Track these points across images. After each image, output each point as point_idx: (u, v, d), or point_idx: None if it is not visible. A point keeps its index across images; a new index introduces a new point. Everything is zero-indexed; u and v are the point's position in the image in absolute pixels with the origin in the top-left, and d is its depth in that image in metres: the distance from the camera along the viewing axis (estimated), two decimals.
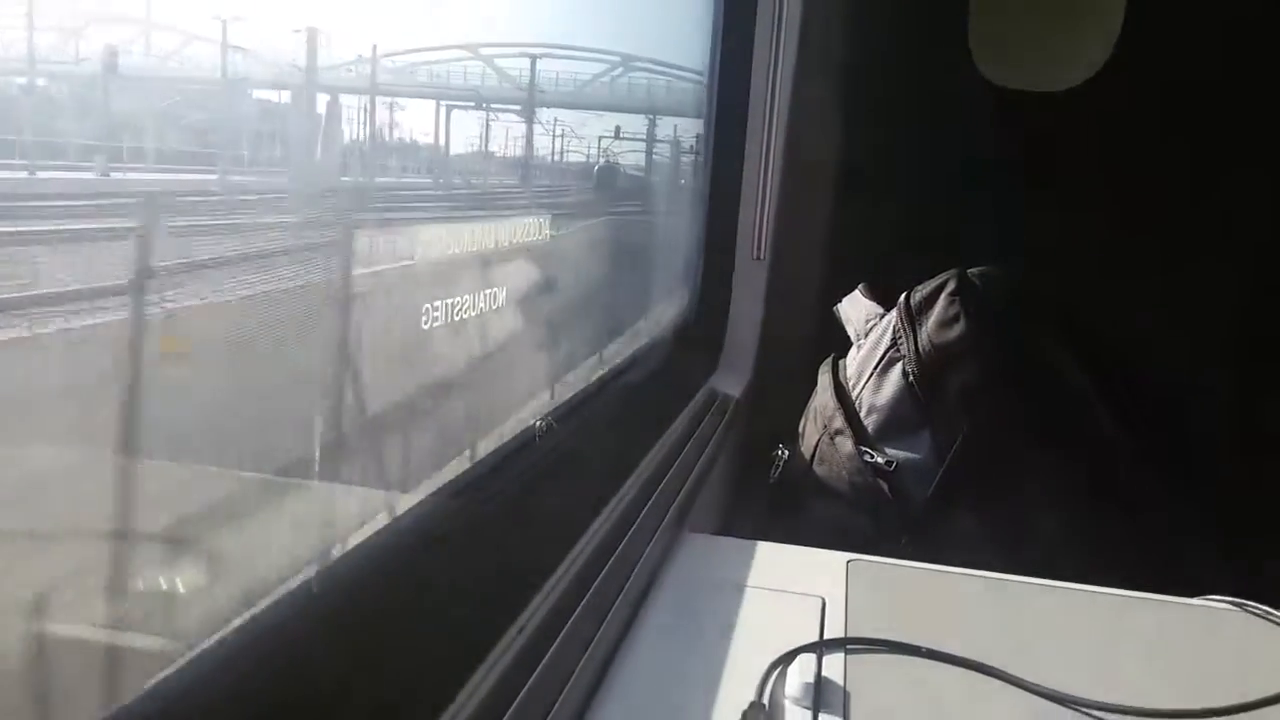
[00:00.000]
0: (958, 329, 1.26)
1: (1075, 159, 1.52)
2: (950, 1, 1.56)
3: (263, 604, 0.55)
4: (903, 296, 1.33)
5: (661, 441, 1.20)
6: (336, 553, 0.68)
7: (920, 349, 1.27)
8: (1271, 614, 0.89)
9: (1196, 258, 1.48)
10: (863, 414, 1.31)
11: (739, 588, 0.90)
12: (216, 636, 0.52)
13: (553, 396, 1.13)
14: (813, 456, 1.33)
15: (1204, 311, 1.49)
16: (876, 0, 1.60)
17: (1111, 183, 1.51)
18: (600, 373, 1.30)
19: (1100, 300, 1.44)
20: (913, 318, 1.30)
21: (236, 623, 0.54)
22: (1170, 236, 1.49)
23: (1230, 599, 0.93)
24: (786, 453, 1.39)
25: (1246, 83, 1.47)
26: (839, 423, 1.31)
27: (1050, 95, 1.54)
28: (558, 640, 0.70)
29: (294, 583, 0.58)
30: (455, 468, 0.86)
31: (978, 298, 1.29)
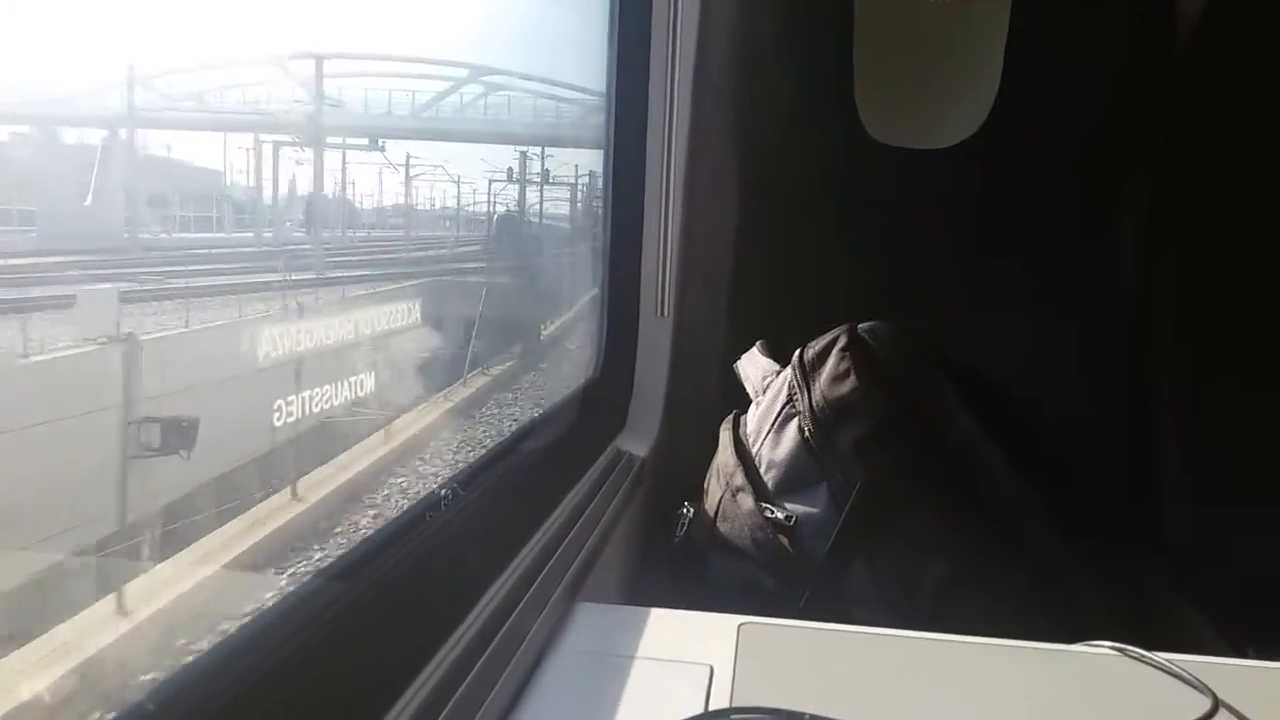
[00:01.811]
0: (849, 383, 1.29)
1: (966, 209, 1.57)
2: (840, 61, 1.61)
3: None
4: (796, 353, 1.36)
5: (564, 504, 1.19)
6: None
7: (814, 404, 1.29)
8: (1148, 657, 0.92)
9: (1085, 309, 1.54)
10: (762, 470, 1.32)
11: (629, 658, 0.89)
12: None
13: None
14: (716, 514, 1.34)
15: (1094, 360, 1.54)
16: (768, 56, 1.64)
17: (1002, 232, 1.56)
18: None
19: (991, 350, 1.48)
20: (806, 374, 1.32)
21: None
22: (1060, 287, 1.54)
23: (1111, 644, 0.95)
24: (691, 511, 1.39)
25: (1127, 131, 1.53)
26: (740, 479, 1.32)
27: (942, 148, 1.59)
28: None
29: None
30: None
31: (867, 352, 1.31)
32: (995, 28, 1.51)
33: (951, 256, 1.55)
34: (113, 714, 0.55)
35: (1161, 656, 0.91)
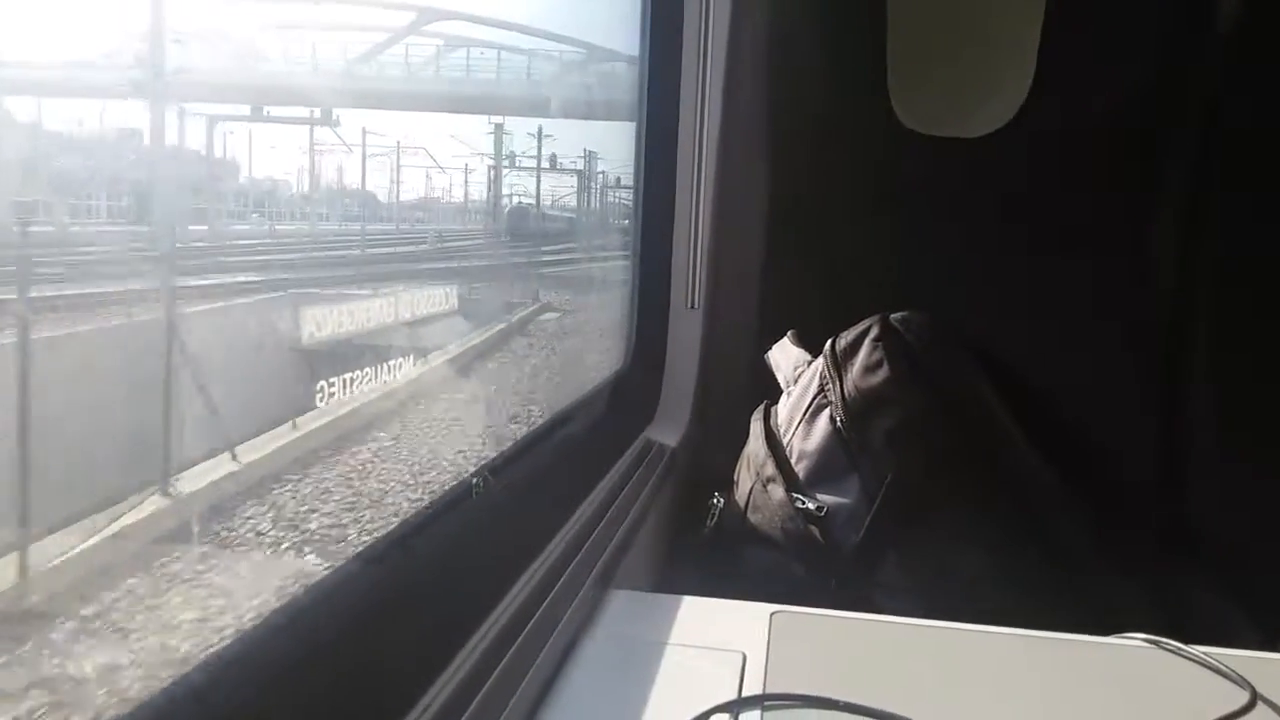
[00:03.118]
0: (881, 374, 1.28)
1: (1000, 201, 1.55)
2: (873, 49, 1.60)
3: None
4: (828, 343, 1.35)
5: (595, 494, 1.20)
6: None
7: (846, 395, 1.29)
8: (1183, 650, 0.91)
9: (1120, 302, 1.52)
10: (793, 460, 1.32)
11: (662, 645, 0.90)
12: None
13: None
14: (747, 504, 1.34)
15: (1128, 353, 1.52)
16: (800, 46, 1.63)
17: (1036, 224, 1.55)
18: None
19: (1025, 342, 1.47)
20: (838, 364, 1.32)
21: None
22: (1094, 280, 1.53)
23: (1145, 636, 0.94)
24: (722, 501, 1.39)
25: (1166, 122, 1.51)
26: (770, 470, 1.32)
27: (975, 139, 1.58)
28: (472, 706, 0.70)
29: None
30: None
31: (900, 342, 1.31)
32: (1029, 15, 1.50)
33: (984, 248, 1.54)
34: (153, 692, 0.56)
35: (1197, 649, 0.91)
